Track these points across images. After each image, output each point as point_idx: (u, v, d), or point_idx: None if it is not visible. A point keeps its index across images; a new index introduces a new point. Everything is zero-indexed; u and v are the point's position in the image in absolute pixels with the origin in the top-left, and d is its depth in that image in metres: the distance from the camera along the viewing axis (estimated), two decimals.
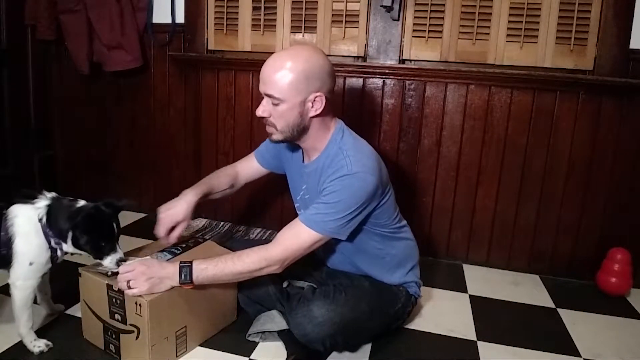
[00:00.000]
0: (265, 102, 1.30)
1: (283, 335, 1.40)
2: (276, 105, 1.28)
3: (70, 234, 1.21)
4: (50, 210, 1.23)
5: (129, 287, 1.20)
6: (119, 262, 1.24)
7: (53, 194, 1.28)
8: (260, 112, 1.31)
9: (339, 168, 1.27)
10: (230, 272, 1.26)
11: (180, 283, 1.23)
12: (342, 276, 1.47)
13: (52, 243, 1.24)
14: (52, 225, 1.22)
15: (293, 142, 1.38)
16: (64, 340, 1.35)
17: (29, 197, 1.25)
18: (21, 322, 1.27)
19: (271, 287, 1.48)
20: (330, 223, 1.25)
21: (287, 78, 1.25)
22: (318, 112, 1.30)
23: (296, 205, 1.54)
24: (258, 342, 1.42)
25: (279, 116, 1.29)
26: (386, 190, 1.36)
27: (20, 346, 1.31)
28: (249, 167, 1.65)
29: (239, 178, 1.64)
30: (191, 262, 1.24)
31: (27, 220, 1.22)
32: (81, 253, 1.26)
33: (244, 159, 1.68)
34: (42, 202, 1.24)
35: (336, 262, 1.53)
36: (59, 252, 1.26)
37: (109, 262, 1.24)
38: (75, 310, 1.47)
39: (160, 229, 1.45)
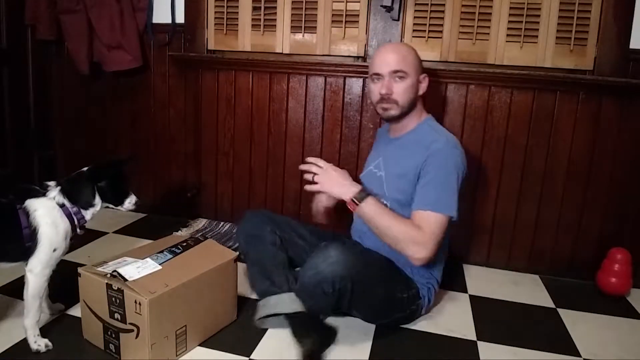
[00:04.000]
0: (388, 80, 1.48)
1: (291, 319, 1.40)
2: (402, 80, 1.48)
3: (95, 189, 1.35)
4: (66, 189, 1.32)
5: (313, 183, 1.43)
6: (137, 203, 1.44)
7: (53, 182, 1.34)
8: (384, 89, 1.48)
9: (432, 143, 1.44)
10: (385, 226, 1.38)
11: (351, 198, 1.40)
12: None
13: (76, 221, 1.33)
14: (77, 198, 1.33)
15: (402, 118, 1.55)
16: (64, 340, 1.35)
17: (32, 191, 1.31)
18: (30, 313, 1.28)
19: (282, 257, 1.55)
20: (444, 199, 1.40)
21: (411, 55, 1.50)
22: (424, 90, 1.54)
23: (362, 181, 1.65)
24: (258, 341, 1.41)
25: (403, 91, 1.49)
26: (463, 177, 1.48)
27: (20, 346, 1.31)
28: None
29: None
30: (369, 194, 1.41)
31: (48, 210, 1.29)
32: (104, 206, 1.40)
33: None
34: (53, 191, 1.32)
35: (376, 243, 1.55)
36: (78, 230, 1.35)
37: (128, 203, 1.42)
38: (75, 310, 1.47)
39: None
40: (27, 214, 1.26)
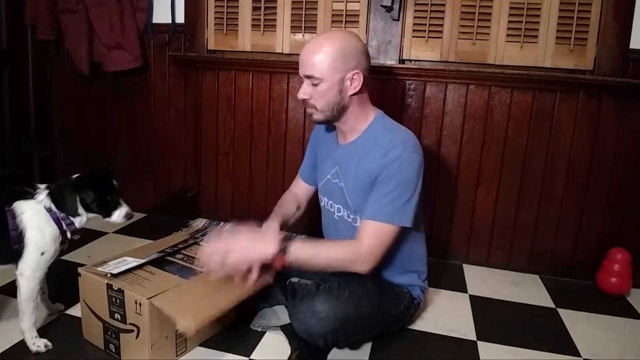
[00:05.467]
0: (306, 84, 1.36)
1: (286, 330, 1.41)
2: (316, 85, 1.34)
3: (78, 200, 1.28)
4: (53, 195, 1.28)
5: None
6: (127, 216, 1.34)
7: (44, 185, 1.32)
8: (301, 94, 1.37)
9: (389, 149, 1.31)
10: (323, 265, 1.30)
11: (276, 253, 1.23)
12: (346, 274, 1.47)
13: (64, 226, 1.29)
14: (62, 206, 1.28)
15: (333, 122, 1.42)
16: (64, 340, 1.35)
17: (22, 193, 1.29)
18: (25, 316, 1.27)
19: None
20: (400, 210, 1.29)
21: (326, 58, 1.31)
22: (357, 89, 1.35)
23: (319, 193, 1.58)
24: (258, 341, 1.42)
25: (320, 96, 1.35)
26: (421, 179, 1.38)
27: (20, 346, 1.30)
28: (300, 188, 1.68)
29: (300, 199, 1.67)
30: (289, 239, 1.26)
31: (35, 213, 1.26)
32: (92, 216, 1.34)
33: (294, 181, 1.72)
34: (42, 194, 1.29)
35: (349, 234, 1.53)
36: (68, 234, 1.31)
37: (117, 216, 1.33)
38: (75, 310, 1.47)
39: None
40: (14, 216, 1.24)
